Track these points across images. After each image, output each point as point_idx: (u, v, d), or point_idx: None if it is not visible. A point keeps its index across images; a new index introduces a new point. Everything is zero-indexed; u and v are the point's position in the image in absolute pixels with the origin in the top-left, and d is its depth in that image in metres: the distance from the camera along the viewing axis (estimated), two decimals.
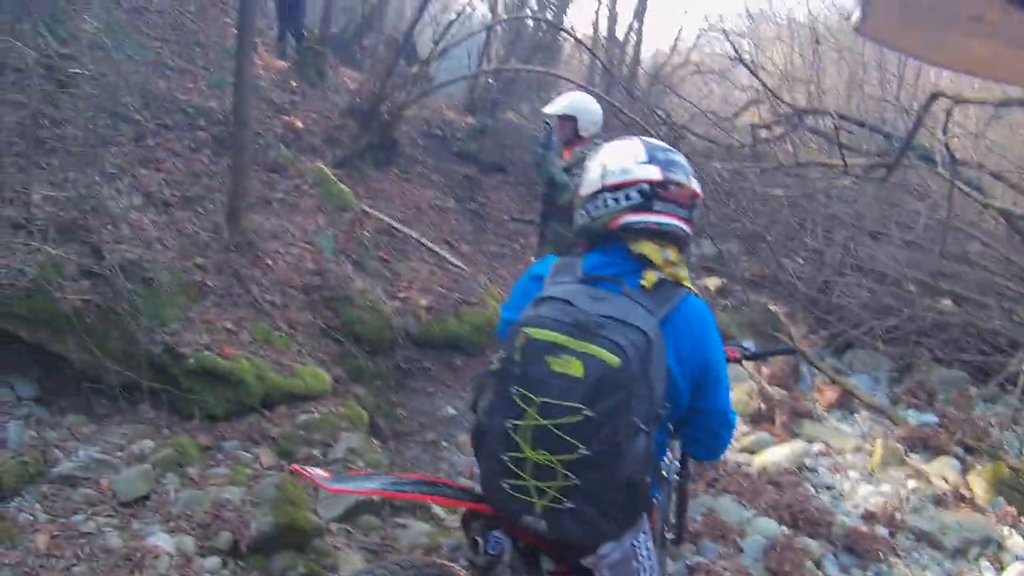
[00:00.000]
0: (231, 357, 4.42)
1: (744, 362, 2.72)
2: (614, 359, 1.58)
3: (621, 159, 1.85)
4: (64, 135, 4.99)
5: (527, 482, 1.64)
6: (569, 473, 1.60)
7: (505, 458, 1.66)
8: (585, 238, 1.94)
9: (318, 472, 1.94)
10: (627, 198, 1.82)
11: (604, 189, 1.85)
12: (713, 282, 8.12)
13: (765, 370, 5.93)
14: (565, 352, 1.60)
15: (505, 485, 1.67)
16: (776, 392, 5.63)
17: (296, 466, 2.09)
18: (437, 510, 3.85)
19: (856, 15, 0.57)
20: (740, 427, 5.27)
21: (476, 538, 1.87)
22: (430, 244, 7.41)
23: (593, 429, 1.58)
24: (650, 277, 1.80)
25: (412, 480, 2.16)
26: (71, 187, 4.63)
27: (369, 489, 2.26)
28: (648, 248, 1.83)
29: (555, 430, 1.59)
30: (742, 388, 5.62)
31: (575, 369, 1.59)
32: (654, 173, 1.82)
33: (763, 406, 5.48)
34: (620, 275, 1.80)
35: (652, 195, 1.81)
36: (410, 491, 2.14)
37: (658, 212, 1.82)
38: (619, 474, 1.61)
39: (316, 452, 4.03)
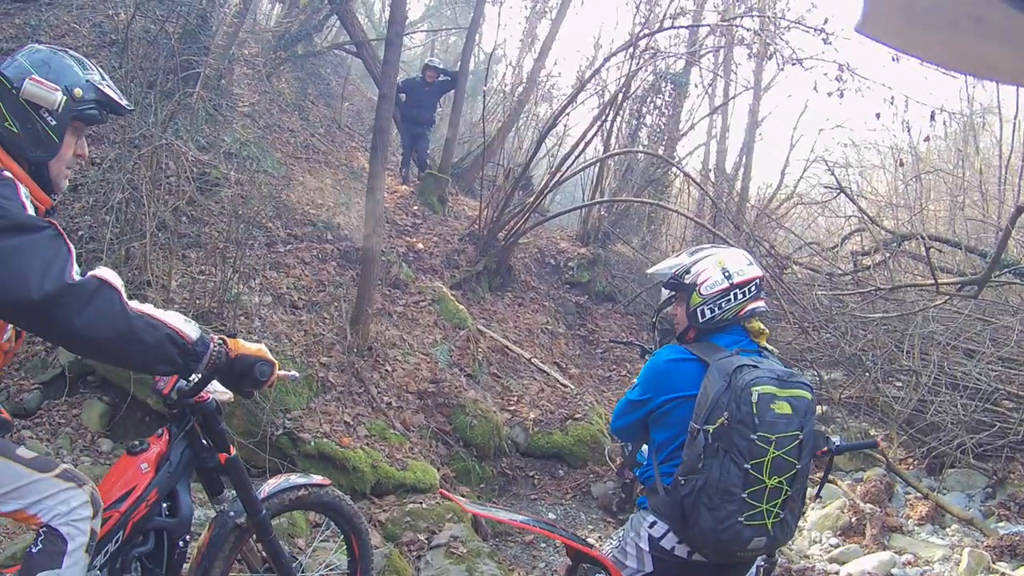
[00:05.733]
0: (347, 447, 4.70)
1: (835, 457, 2.90)
2: (808, 394, 2.23)
3: (739, 263, 2.45)
4: (201, 233, 5.64)
5: (761, 507, 2.14)
6: (788, 488, 2.15)
7: (743, 495, 2.13)
8: (710, 327, 2.43)
9: (461, 498, 2.28)
10: (750, 291, 2.40)
11: (734, 287, 2.39)
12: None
13: (859, 488, 5.94)
14: (777, 399, 2.17)
15: (740, 520, 2.14)
16: (868, 508, 5.57)
17: (443, 490, 2.44)
18: None
19: (858, 15, 0.58)
20: (829, 539, 5.36)
21: None
22: (541, 364, 7.63)
23: (801, 448, 2.17)
24: (764, 344, 2.47)
25: (547, 521, 2.36)
26: (206, 280, 5.17)
27: (511, 519, 2.49)
28: (758, 325, 2.46)
29: (786, 456, 2.13)
30: (834, 504, 5.64)
31: (785, 408, 2.16)
32: (759, 270, 2.47)
33: (854, 519, 5.45)
34: (747, 346, 2.41)
35: (759, 287, 2.44)
36: (547, 529, 2.36)
37: (762, 299, 2.47)
38: (806, 478, 2.24)
39: (421, 537, 4.16)
